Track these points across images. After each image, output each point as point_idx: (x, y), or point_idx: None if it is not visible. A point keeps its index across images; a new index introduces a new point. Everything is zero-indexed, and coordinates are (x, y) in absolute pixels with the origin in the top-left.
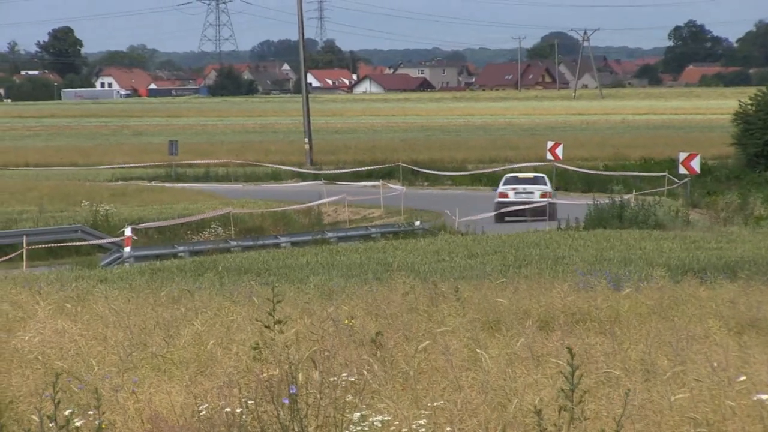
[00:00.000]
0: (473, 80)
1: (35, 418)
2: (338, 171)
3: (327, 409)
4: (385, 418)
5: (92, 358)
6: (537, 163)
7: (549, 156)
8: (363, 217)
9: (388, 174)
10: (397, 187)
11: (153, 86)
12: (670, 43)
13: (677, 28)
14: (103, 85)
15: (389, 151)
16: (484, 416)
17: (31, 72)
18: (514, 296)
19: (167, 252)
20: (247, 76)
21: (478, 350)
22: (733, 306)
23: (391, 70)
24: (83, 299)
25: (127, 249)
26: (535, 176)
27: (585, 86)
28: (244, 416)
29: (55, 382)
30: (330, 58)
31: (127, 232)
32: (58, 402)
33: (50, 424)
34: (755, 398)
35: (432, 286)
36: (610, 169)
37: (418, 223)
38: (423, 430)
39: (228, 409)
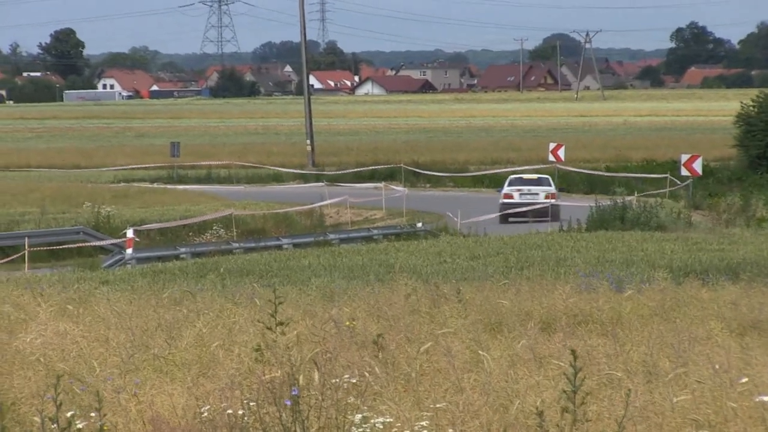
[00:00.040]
0: (475, 82)
1: (37, 419)
2: (340, 172)
3: (329, 410)
4: (387, 420)
5: (94, 359)
6: (539, 166)
7: (551, 158)
8: (365, 218)
9: (390, 176)
10: (399, 189)
11: (155, 88)
12: (672, 45)
13: (679, 30)
14: (105, 86)
15: (391, 152)
16: (486, 418)
17: (33, 74)
18: (516, 298)
19: (169, 254)
20: (249, 77)
21: (480, 352)
22: (735, 308)
23: (393, 72)
24: (85, 301)
25: (129, 250)
26: (540, 177)
27: (587, 88)
28: (246, 418)
29: (56, 384)
30: (332, 59)
31: (129, 233)
32: (60, 404)
33: (52, 426)
34: (757, 400)
35: (434, 288)
36: (612, 171)
37: (420, 224)
38: (425, 431)
39: (230, 411)
